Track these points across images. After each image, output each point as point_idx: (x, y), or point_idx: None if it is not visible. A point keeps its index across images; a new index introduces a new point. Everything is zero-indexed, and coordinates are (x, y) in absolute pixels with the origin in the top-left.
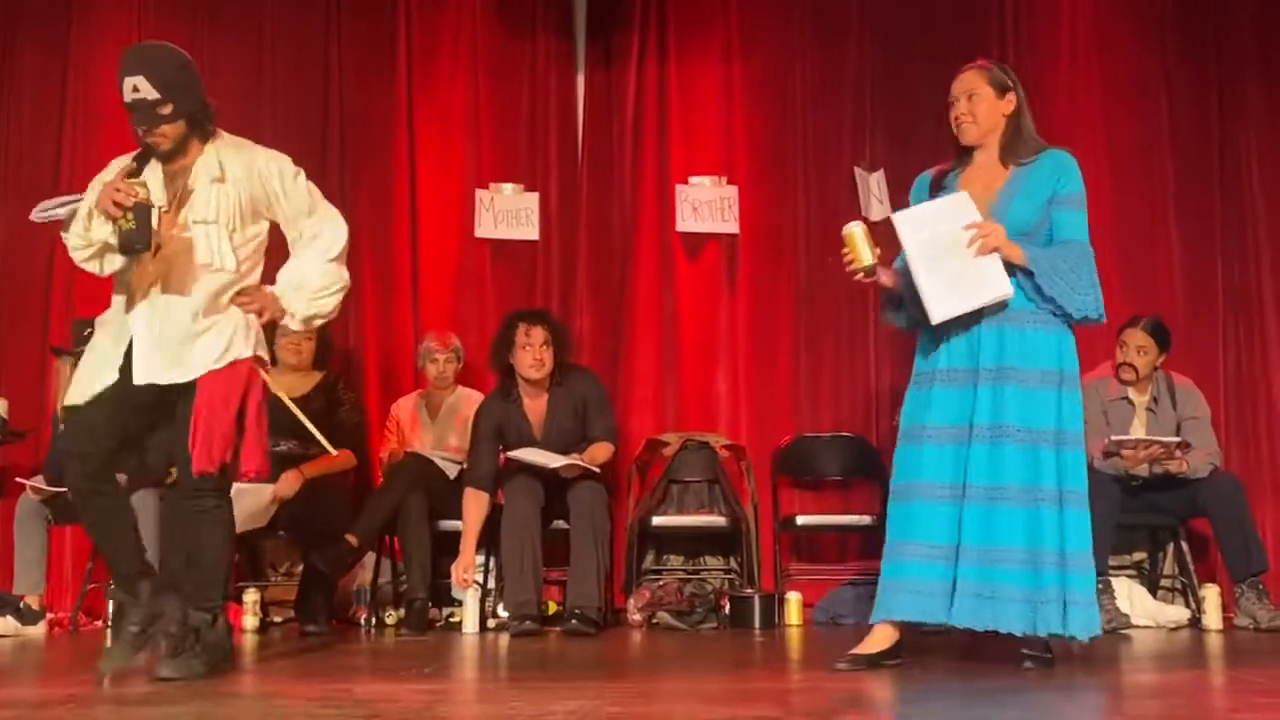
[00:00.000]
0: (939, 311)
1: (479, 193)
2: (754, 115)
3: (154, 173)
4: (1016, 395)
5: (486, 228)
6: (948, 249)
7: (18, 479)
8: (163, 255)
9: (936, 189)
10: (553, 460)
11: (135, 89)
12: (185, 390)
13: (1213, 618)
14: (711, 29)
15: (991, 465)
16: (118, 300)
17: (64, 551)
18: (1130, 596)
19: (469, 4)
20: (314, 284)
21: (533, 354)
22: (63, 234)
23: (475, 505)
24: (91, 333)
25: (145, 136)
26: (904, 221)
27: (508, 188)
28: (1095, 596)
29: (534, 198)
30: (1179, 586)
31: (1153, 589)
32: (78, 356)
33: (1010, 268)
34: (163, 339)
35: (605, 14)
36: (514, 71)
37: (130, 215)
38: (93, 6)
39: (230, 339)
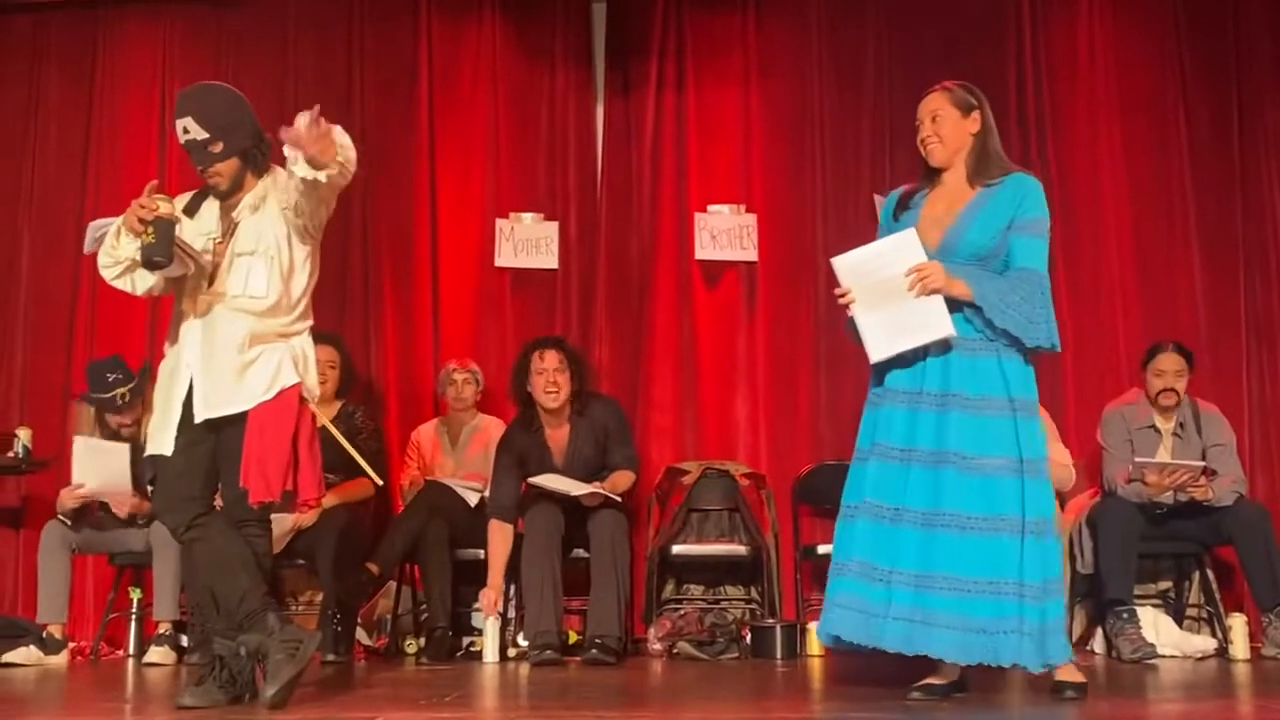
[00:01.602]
0: (877, 352)
1: (499, 222)
2: (772, 143)
3: (210, 206)
4: (963, 422)
5: (506, 257)
6: (889, 292)
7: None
8: (214, 289)
9: (903, 208)
10: (575, 488)
11: (186, 130)
12: (235, 421)
13: (1239, 647)
14: (729, 57)
15: (932, 491)
16: (176, 332)
17: (86, 580)
18: (1156, 626)
19: (489, 34)
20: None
21: (546, 378)
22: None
23: (500, 536)
24: (119, 378)
25: (203, 176)
26: (844, 268)
27: (527, 217)
28: (1059, 626)
29: (553, 226)
30: (1205, 616)
31: (1178, 618)
32: (93, 403)
33: (961, 301)
34: (214, 372)
35: (624, 42)
36: (533, 100)
37: (151, 230)
38: (118, 39)
39: (277, 368)
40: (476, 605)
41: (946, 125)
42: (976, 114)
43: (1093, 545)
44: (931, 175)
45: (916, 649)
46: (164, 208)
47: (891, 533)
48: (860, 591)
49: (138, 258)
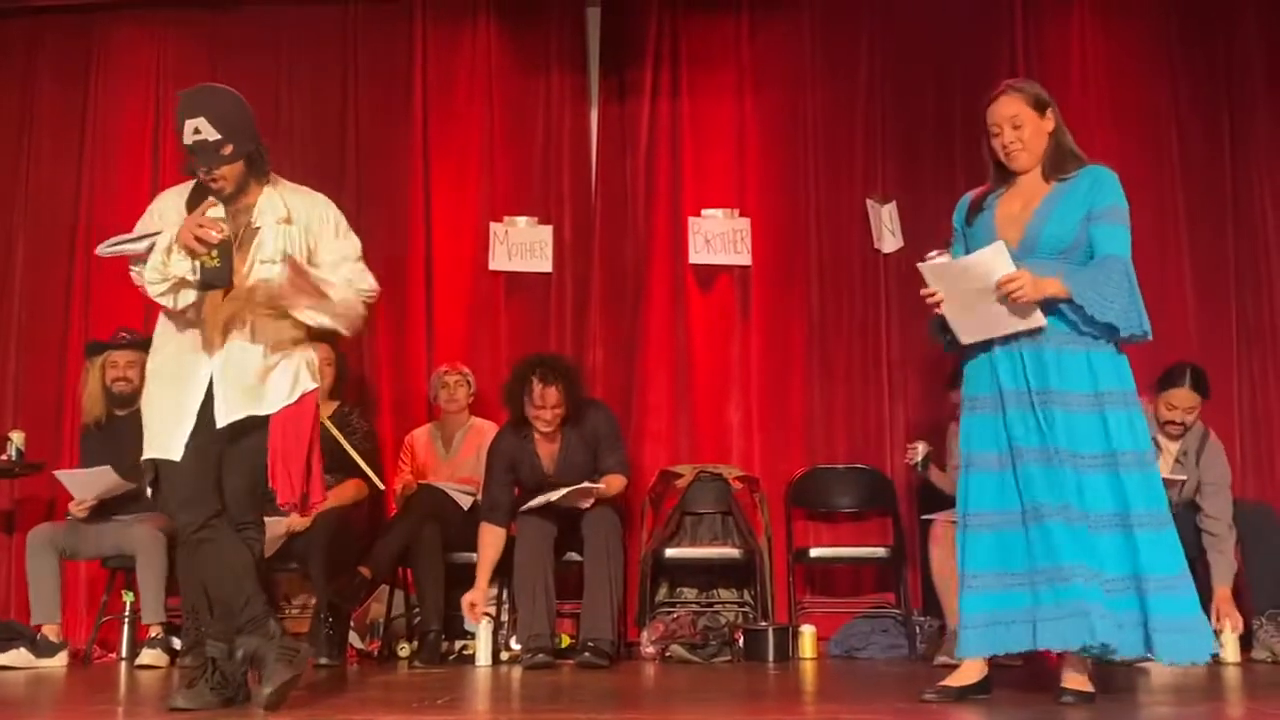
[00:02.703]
0: (966, 336)
1: (493, 226)
2: (766, 148)
3: (213, 210)
4: (1061, 419)
5: (500, 260)
6: (977, 295)
7: (55, 470)
8: (232, 295)
9: (975, 211)
10: (555, 493)
11: (196, 130)
12: (254, 424)
13: (1230, 650)
14: (724, 64)
15: (1049, 487)
16: (179, 342)
17: (78, 584)
18: None
19: (484, 40)
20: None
21: (546, 414)
22: (132, 268)
23: (490, 539)
24: (126, 337)
25: (206, 179)
26: (931, 273)
27: (522, 221)
28: (1192, 622)
29: (548, 230)
30: None
31: None
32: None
33: (1053, 301)
34: (239, 378)
35: (619, 49)
36: (528, 106)
37: (215, 252)
38: (112, 42)
39: (297, 373)
40: None
41: (1028, 129)
42: (1051, 111)
43: None
44: (1004, 177)
45: (1070, 642)
46: (227, 229)
47: (1015, 537)
48: (1001, 604)
49: (189, 277)
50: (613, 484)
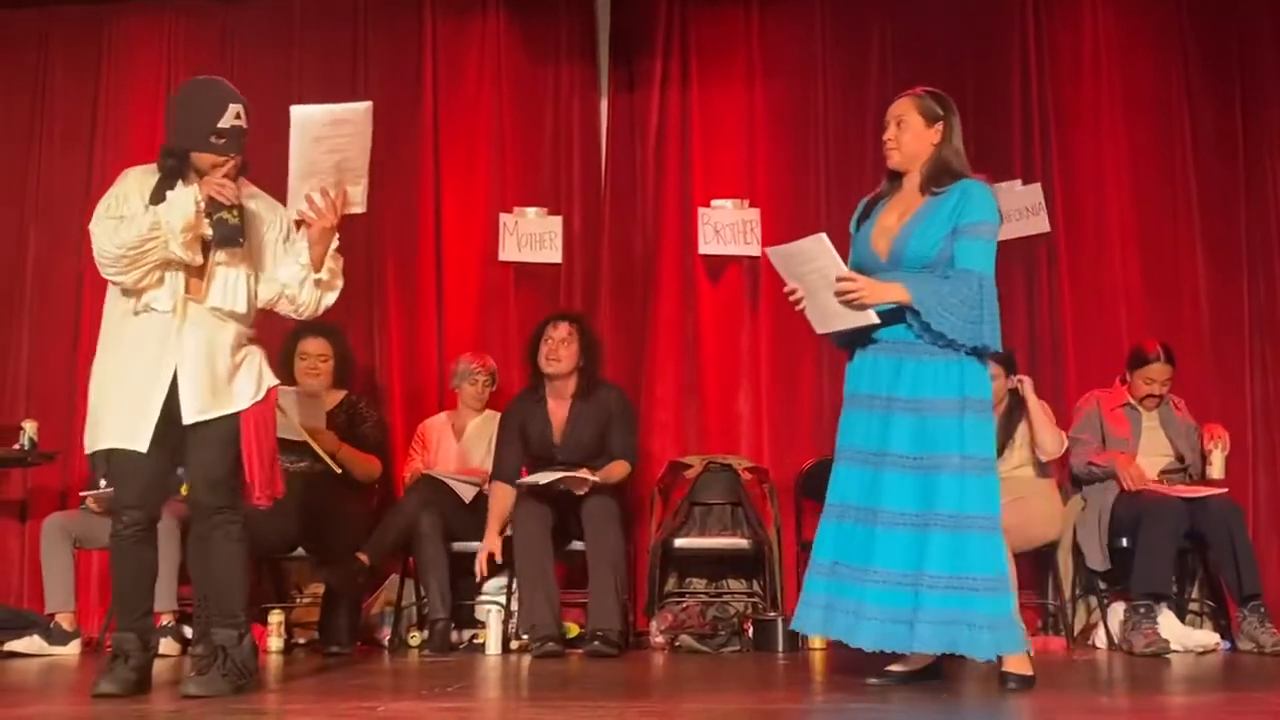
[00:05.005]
0: (819, 328)
1: (503, 216)
2: (776, 139)
3: (185, 194)
4: (909, 424)
5: (510, 251)
6: (818, 285)
7: (81, 493)
8: (192, 294)
9: (864, 217)
10: (549, 476)
11: (238, 115)
12: (220, 419)
13: (1217, 468)
14: (734, 54)
15: (891, 491)
16: (134, 340)
17: (91, 573)
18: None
19: (493, 31)
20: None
21: (550, 346)
22: (139, 240)
23: (500, 495)
24: None
25: (227, 162)
26: (776, 257)
27: (531, 211)
28: (1003, 618)
29: (557, 221)
30: (1207, 610)
31: (1180, 614)
32: None
33: (904, 307)
34: (208, 375)
35: (628, 40)
36: (538, 97)
37: (235, 211)
38: (123, 34)
39: (260, 369)
40: (477, 599)
41: (908, 133)
42: (940, 124)
43: (1118, 541)
44: (894, 180)
45: (891, 645)
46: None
47: (854, 531)
48: (830, 590)
49: (207, 234)
50: (614, 471)
